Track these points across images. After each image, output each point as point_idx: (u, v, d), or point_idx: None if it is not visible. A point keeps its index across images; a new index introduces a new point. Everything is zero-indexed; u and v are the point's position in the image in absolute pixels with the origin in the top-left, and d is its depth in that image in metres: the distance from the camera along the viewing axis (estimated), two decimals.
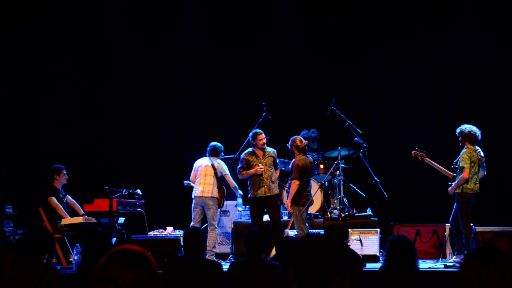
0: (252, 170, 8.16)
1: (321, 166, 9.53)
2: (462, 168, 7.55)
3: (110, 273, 1.95)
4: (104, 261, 1.99)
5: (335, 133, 9.82)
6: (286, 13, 10.67)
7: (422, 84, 10.43)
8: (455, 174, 7.77)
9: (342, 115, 9.26)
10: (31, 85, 10.43)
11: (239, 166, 8.29)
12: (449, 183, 7.82)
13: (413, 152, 7.99)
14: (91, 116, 10.83)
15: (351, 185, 9.38)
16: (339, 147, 9.21)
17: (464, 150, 7.66)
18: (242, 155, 8.35)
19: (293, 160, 8.07)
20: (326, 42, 10.51)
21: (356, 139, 9.20)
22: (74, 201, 8.77)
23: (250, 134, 8.36)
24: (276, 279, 4.79)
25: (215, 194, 8.38)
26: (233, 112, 10.95)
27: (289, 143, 8.12)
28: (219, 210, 8.62)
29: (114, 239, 8.07)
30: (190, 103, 11.04)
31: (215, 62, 10.91)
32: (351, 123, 9.23)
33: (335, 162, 8.97)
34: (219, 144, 8.66)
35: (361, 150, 9.23)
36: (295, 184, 7.87)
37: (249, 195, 8.23)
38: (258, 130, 8.38)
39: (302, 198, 7.87)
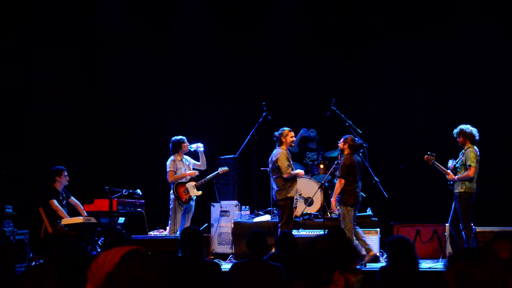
0: (299, 173, 8.15)
1: (321, 166, 9.53)
2: (469, 167, 7.54)
3: (133, 276, 1.95)
4: (119, 262, 1.97)
5: (335, 133, 9.80)
6: (286, 12, 10.67)
7: (423, 84, 10.42)
8: (455, 176, 7.75)
9: (342, 115, 9.25)
10: (31, 85, 10.42)
11: (287, 164, 8.00)
12: (449, 182, 7.81)
13: (425, 156, 7.91)
14: (91, 116, 10.82)
15: None
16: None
17: (468, 150, 7.64)
18: (284, 154, 8.03)
19: (342, 158, 8.00)
20: (326, 42, 10.50)
21: (356, 139, 9.18)
22: (78, 202, 8.75)
23: (280, 131, 8.16)
24: (278, 280, 4.77)
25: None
26: (233, 112, 10.94)
27: (341, 140, 8.05)
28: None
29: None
30: (190, 103, 11.03)
31: (215, 61, 10.90)
32: (351, 123, 9.21)
33: (335, 162, 8.95)
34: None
35: (361, 150, 9.21)
36: (339, 183, 7.80)
37: (286, 195, 8.01)
38: (287, 128, 8.21)
39: (351, 199, 7.80)
